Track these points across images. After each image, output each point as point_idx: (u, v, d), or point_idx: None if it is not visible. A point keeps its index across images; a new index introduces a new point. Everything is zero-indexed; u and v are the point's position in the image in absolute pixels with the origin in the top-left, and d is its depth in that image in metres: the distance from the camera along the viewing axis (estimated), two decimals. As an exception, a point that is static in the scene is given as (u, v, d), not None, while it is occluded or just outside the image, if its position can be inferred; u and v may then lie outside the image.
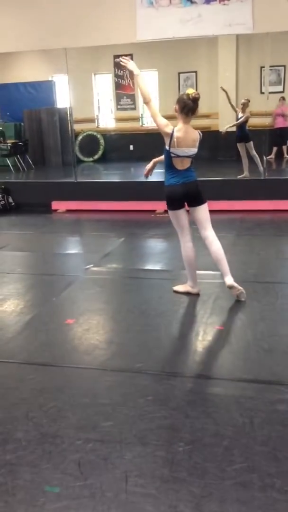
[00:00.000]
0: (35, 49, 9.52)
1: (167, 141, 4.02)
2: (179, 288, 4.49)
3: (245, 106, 9.53)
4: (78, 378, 3.14)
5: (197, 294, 4.39)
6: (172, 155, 4.04)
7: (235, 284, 4.21)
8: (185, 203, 4.19)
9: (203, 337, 3.65)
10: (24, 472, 2.29)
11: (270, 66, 11.19)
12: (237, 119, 9.59)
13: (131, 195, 8.40)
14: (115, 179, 11.23)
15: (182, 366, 3.26)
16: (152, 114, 4.10)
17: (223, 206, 7.82)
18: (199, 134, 4.09)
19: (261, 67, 11.87)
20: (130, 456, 2.36)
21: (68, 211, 8.76)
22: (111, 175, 12.15)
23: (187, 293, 4.43)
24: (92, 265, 5.45)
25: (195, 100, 3.95)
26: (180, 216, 4.21)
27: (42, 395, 2.92)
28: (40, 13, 8.11)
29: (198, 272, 4.47)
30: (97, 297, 4.63)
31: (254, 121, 9.69)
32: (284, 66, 12.41)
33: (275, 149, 12.12)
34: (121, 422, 2.63)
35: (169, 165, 4.12)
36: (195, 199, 4.18)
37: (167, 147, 4.03)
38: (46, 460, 2.36)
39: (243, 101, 9.69)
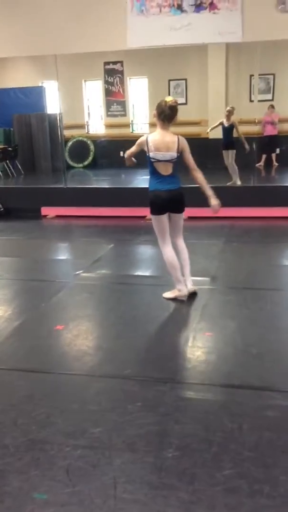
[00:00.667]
0: (25, 55, 9.52)
1: (145, 148, 4.16)
2: (168, 294, 4.49)
3: (230, 114, 9.62)
4: (67, 384, 3.13)
5: (185, 300, 4.40)
6: (152, 160, 4.16)
7: (194, 288, 4.47)
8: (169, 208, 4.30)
9: (192, 343, 3.65)
10: (12, 479, 2.28)
11: (260, 75, 11.28)
12: (224, 128, 9.66)
13: (121, 201, 8.40)
14: (105, 185, 11.23)
15: (171, 372, 3.26)
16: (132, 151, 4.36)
17: (212, 213, 7.85)
18: (178, 138, 4.13)
19: (251, 75, 11.97)
20: (119, 462, 2.36)
21: (58, 217, 8.74)
22: (101, 181, 12.16)
23: (176, 299, 4.43)
24: (81, 271, 5.44)
25: (171, 108, 4.08)
26: (163, 222, 4.31)
27: (31, 402, 2.91)
28: (30, 20, 8.12)
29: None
30: (87, 303, 4.63)
31: (242, 129, 9.76)
32: (274, 74, 12.52)
33: (264, 156, 12.21)
34: (110, 428, 2.62)
35: (152, 171, 4.24)
36: (177, 206, 4.31)
37: (147, 154, 4.17)
38: (34, 467, 2.35)
39: (228, 108, 9.78)
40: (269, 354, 3.44)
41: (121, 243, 6.74)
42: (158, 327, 4.03)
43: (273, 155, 12.43)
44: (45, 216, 8.82)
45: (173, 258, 4.37)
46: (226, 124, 9.64)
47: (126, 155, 4.41)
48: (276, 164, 12.42)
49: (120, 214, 8.37)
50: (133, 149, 4.33)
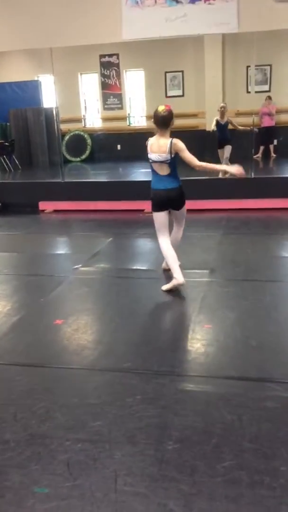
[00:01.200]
0: (20, 48, 9.46)
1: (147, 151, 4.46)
2: (167, 286, 4.50)
3: (224, 110, 9.60)
4: (67, 379, 3.13)
5: (184, 297, 4.40)
6: (150, 160, 4.44)
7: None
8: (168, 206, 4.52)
9: (191, 335, 3.66)
10: (13, 474, 2.28)
11: (256, 66, 11.24)
12: (220, 125, 9.62)
13: (119, 195, 8.39)
14: (103, 179, 11.21)
15: (170, 365, 3.26)
16: None
17: (209, 205, 7.85)
18: (171, 141, 4.28)
19: (247, 67, 11.93)
20: (119, 455, 2.36)
21: (56, 211, 8.73)
22: (99, 175, 12.13)
23: (175, 292, 4.43)
24: (80, 265, 5.44)
25: (163, 116, 4.33)
26: (162, 218, 4.54)
27: (31, 396, 2.91)
28: (25, 13, 8.06)
29: (186, 271, 4.57)
30: (86, 297, 4.62)
31: (240, 120, 9.74)
32: (270, 65, 12.47)
33: (262, 148, 12.18)
34: (110, 421, 2.63)
35: (152, 171, 4.52)
36: (175, 204, 4.54)
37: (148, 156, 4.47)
38: (35, 461, 2.35)
39: (221, 105, 9.73)
40: (268, 345, 3.44)
41: (119, 237, 6.74)
42: (157, 320, 4.03)
43: (271, 146, 12.42)
44: (43, 210, 8.80)
45: (171, 249, 4.52)
46: (222, 122, 9.62)
47: None
48: (274, 155, 12.40)
49: (118, 207, 8.35)
50: None
